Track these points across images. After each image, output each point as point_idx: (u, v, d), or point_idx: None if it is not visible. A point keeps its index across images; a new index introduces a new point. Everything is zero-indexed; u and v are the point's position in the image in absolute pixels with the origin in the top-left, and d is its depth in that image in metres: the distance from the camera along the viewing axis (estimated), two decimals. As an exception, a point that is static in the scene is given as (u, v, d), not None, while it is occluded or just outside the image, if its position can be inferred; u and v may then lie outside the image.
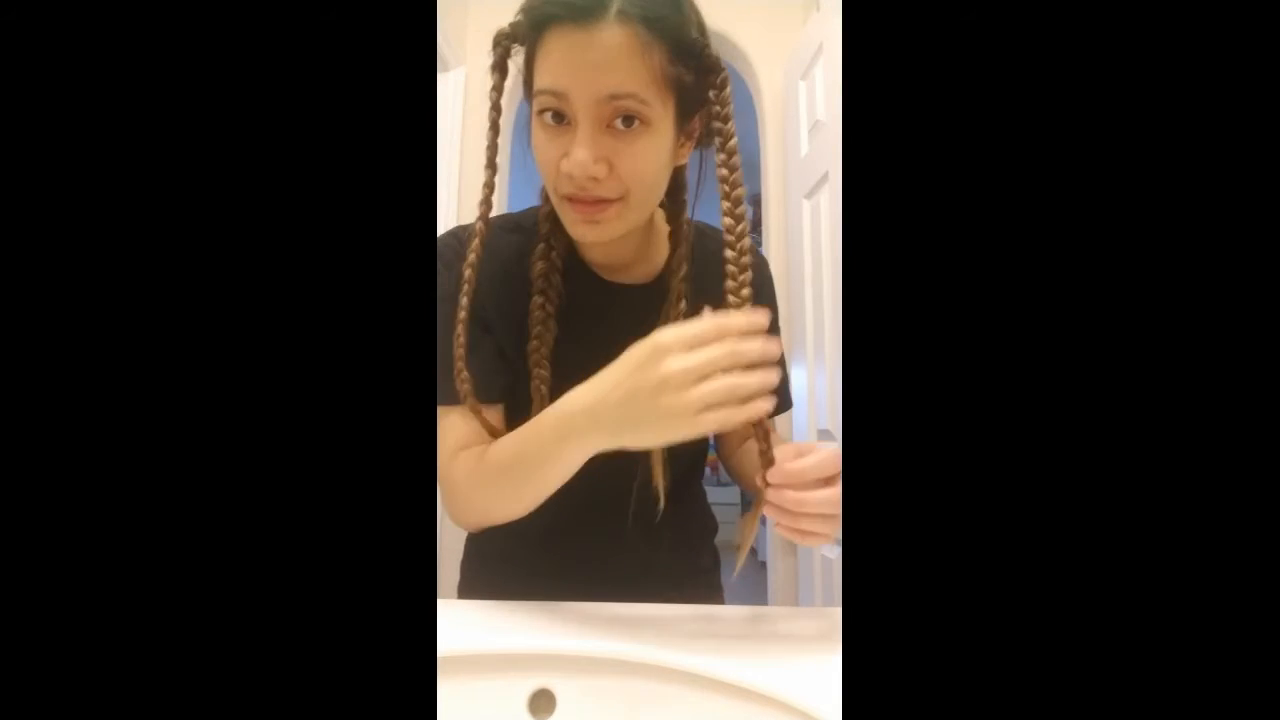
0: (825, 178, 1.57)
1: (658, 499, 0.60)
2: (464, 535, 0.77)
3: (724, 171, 0.53)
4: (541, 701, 0.46)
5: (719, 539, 0.80)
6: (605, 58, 0.49)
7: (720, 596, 0.77)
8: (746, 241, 0.51)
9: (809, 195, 1.69)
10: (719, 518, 0.80)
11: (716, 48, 0.54)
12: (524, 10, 0.54)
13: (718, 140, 0.54)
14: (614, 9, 0.49)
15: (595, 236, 0.56)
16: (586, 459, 0.51)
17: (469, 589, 0.73)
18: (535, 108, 0.53)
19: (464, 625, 0.51)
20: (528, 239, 0.65)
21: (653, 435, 0.46)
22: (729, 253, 0.50)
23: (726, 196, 0.52)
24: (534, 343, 0.61)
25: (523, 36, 0.54)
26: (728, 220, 0.52)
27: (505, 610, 0.55)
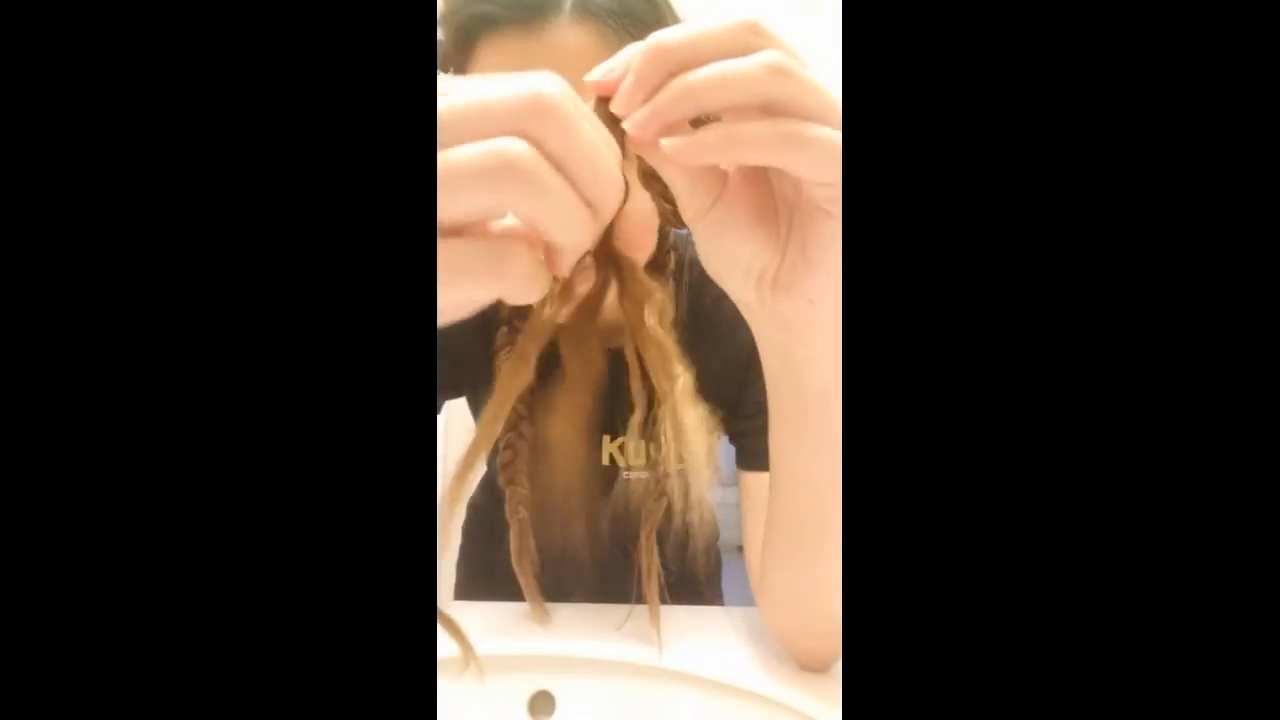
0: (825, 178, 1.57)
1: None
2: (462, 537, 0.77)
3: None
4: (541, 702, 0.46)
5: (719, 540, 0.80)
6: (561, 65, 0.37)
7: (720, 598, 0.77)
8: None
9: (809, 195, 1.68)
10: (719, 517, 0.79)
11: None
12: (446, 21, 0.42)
13: None
14: (569, 3, 0.40)
15: None
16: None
17: (466, 590, 0.73)
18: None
19: (464, 626, 0.51)
20: None
21: None
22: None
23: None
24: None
25: (447, 61, 0.43)
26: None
27: (505, 611, 0.55)
